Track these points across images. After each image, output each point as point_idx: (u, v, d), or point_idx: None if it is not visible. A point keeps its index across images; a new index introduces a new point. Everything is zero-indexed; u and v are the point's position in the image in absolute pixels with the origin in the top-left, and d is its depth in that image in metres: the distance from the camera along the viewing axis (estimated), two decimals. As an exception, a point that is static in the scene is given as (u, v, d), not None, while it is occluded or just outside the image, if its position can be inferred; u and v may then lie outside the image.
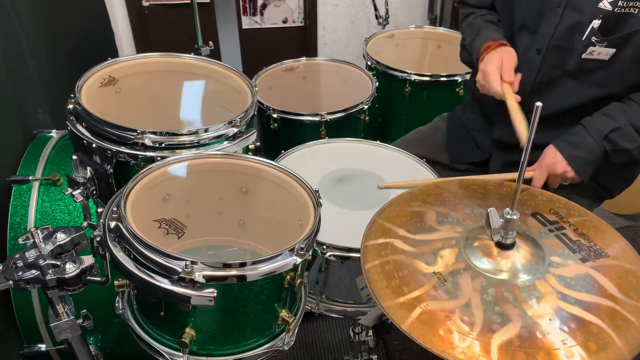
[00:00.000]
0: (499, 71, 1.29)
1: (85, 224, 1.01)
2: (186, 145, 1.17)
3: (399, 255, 0.91)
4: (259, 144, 1.29)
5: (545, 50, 1.31)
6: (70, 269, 0.88)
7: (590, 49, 1.24)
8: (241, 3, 2.93)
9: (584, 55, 1.25)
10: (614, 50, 1.22)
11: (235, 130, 1.23)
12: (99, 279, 0.91)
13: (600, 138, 1.24)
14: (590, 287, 0.85)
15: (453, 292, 0.83)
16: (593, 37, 1.23)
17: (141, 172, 1.07)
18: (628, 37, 1.20)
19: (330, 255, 1.18)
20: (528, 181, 1.28)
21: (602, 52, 1.24)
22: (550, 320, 0.79)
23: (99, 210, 0.97)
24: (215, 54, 1.96)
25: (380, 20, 2.92)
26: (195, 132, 1.17)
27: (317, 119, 1.72)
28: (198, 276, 0.87)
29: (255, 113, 1.33)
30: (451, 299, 0.82)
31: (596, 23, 1.21)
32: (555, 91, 1.33)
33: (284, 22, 3.05)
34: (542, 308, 0.80)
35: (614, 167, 1.34)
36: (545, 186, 1.28)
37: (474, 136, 1.58)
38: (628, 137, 1.24)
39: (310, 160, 1.47)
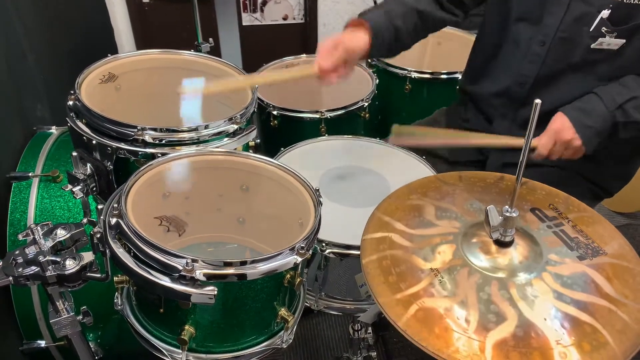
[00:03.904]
0: (320, 52, 1.22)
1: (85, 220, 1.01)
2: (186, 142, 1.17)
3: (397, 250, 0.91)
4: (259, 140, 1.29)
5: (551, 42, 1.28)
6: (70, 266, 0.89)
7: (600, 40, 1.21)
8: (241, 0, 2.93)
9: (593, 46, 1.23)
10: (624, 41, 1.20)
11: (236, 127, 1.23)
12: (98, 275, 0.92)
13: (613, 107, 1.19)
14: (587, 286, 0.85)
15: (450, 290, 0.83)
16: (603, 28, 1.20)
17: (142, 168, 1.07)
18: (638, 28, 1.18)
19: (329, 253, 1.18)
20: (533, 150, 1.21)
21: (611, 43, 1.21)
22: (545, 319, 0.79)
23: (99, 206, 0.98)
24: (216, 51, 1.96)
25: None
26: (195, 129, 1.18)
27: (317, 116, 1.72)
28: (199, 274, 0.87)
29: (255, 110, 1.33)
30: (448, 297, 0.82)
31: (605, 13, 1.18)
32: (558, 85, 1.32)
33: (284, 19, 3.05)
34: (537, 307, 0.80)
35: (611, 157, 1.32)
36: (548, 158, 1.24)
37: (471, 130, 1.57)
38: None
39: (310, 157, 1.47)
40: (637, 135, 1.24)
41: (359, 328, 1.42)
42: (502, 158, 1.47)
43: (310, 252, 0.98)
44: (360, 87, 1.88)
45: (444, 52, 2.23)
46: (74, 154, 1.16)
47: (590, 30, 1.21)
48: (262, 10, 2.99)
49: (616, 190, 1.46)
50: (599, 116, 1.20)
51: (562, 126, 1.21)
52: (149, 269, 0.89)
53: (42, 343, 1.40)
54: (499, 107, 1.44)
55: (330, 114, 1.72)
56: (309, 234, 0.96)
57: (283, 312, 1.02)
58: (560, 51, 1.28)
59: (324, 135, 1.69)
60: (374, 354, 1.47)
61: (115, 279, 1.01)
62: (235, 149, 1.21)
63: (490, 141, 1.31)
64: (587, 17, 1.21)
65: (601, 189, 1.43)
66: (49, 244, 0.89)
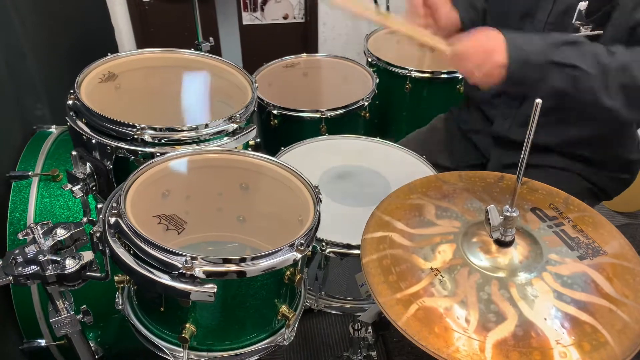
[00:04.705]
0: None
1: (84, 219, 1.01)
2: (186, 141, 1.17)
3: (397, 249, 0.91)
4: (259, 140, 1.29)
5: None
6: (70, 265, 0.89)
7: (582, 30, 1.20)
8: (241, -1, 2.93)
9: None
10: (601, 32, 1.18)
11: (235, 126, 1.22)
12: (98, 274, 0.92)
13: (551, 42, 1.07)
14: (587, 286, 0.84)
15: (450, 289, 0.83)
16: (577, 22, 1.18)
17: (141, 167, 1.07)
18: (608, 15, 1.17)
19: (329, 252, 1.18)
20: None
21: (589, 34, 1.19)
22: (545, 319, 0.79)
23: (99, 206, 0.98)
24: (216, 50, 1.96)
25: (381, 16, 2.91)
26: (195, 128, 1.17)
27: (318, 115, 1.72)
28: (198, 272, 0.87)
29: (255, 109, 1.33)
30: (448, 296, 0.82)
31: (583, 5, 1.18)
32: None
33: (285, 18, 3.04)
34: (537, 307, 0.80)
35: (612, 162, 1.32)
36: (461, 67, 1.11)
37: (472, 139, 1.57)
38: (584, 57, 1.05)
39: (310, 157, 1.47)
40: (567, 92, 1.09)
41: (359, 327, 1.42)
42: (504, 158, 1.47)
43: (310, 248, 0.98)
44: (360, 86, 1.88)
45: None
46: (74, 153, 1.16)
47: (573, 22, 1.20)
48: (262, 10, 2.99)
49: (616, 193, 1.46)
50: (533, 44, 1.07)
51: (493, 37, 1.07)
52: (148, 268, 0.89)
53: (42, 342, 1.40)
54: (500, 107, 1.44)
55: (330, 114, 1.72)
56: (308, 231, 0.96)
57: (284, 309, 1.01)
58: None
59: (324, 134, 1.69)
60: (374, 353, 1.47)
61: (116, 278, 1.01)
62: (235, 148, 1.21)
63: (415, 34, 1.18)
64: (571, 10, 1.21)
65: (600, 190, 1.43)
66: (49, 243, 0.89)
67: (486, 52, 1.06)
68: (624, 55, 1.05)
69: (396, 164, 1.46)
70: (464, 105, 1.61)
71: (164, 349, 1.00)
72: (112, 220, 0.94)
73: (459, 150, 1.60)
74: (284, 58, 2.00)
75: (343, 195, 1.33)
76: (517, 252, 0.89)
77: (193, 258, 0.87)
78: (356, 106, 1.76)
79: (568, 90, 1.07)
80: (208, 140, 1.19)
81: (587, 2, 1.18)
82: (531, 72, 1.07)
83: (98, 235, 0.93)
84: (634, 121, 1.26)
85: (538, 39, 1.08)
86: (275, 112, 1.75)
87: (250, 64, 1.89)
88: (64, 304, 0.95)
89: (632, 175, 1.44)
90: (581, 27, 1.18)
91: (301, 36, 3.10)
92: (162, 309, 0.97)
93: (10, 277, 0.86)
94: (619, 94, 1.05)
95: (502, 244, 0.89)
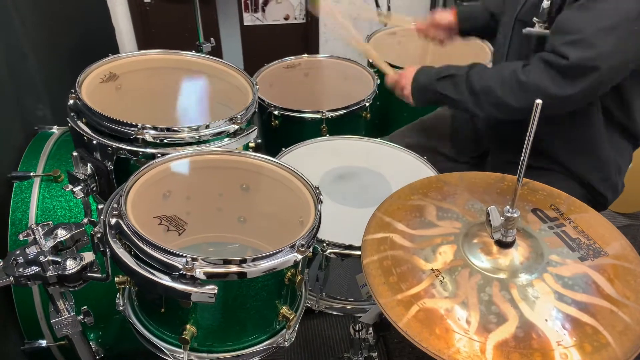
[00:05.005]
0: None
1: (85, 220, 1.01)
2: (187, 142, 1.17)
3: (398, 250, 0.91)
4: (259, 141, 1.29)
5: (510, 34, 1.36)
6: (71, 266, 0.89)
7: (535, 27, 1.27)
8: (242, 0, 2.93)
9: (524, 31, 1.28)
10: (548, 31, 1.24)
11: (236, 127, 1.22)
12: (99, 275, 0.92)
13: (434, 76, 1.36)
14: (588, 287, 0.84)
15: (451, 290, 0.83)
16: (535, 19, 1.26)
17: (142, 168, 1.07)
18: (553, 14, 1.22)
19: (330, 253, 1.18)
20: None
21: (538, 32, 1.26)
22: (546, 320, 0.79)
23: (100, 206, 0.98)
24: (217, 51, 1.96)
25: (382, 17, 2.91)
26: (196, 129, 1.17)
27: (319, 116, 1.72)
28: (199, 273, 0.87)
29: (256, 110, 1.33)
30: (448, 297, 0.82)
31: (546, 3, 1.22)
32: None
33: (286, 18, 3.04)
34: (538, 308, 0.80)
35: (598, 170, 1.36)
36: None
37: (476, 124, 1.58)
38: (455, 87, 1.31)
39: (311, 158, 1.47)
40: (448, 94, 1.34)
41: (360, 328, 1.42)
42: (503, 155, 1.48)
43: (311, 250, 0.98)
44: (361, 87, 1.88)
45: (445, 52, 2.22)
46: (75, 154, 1.16)
47: (533, 19, 1.27)
48: (263, 10, 2.99)
49: (609, 202, 1.45)
50: (427, 77, 1.38)
51: (406, 76, 1.42)
52: (149, 269, 0.89)
53: (43, 343, 1.40)
54: None
55: (331, 114, 1.72)
56: (309, 231, 0.96)
57: (285, 310, 1.01)
58: (516, 42, 1.36)
59: (325, 135, 1.69)
60: (374, 354, 1.47)
61: (117, 279, 1.01)
62: (236, 149, 1.21)
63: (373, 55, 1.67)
64: (537, 9, 1.25)
65: (595, 197, 1.42)
66: (50, 244, 0.89)
67: (400, 87, 1.45)
68: (489, 78, 1.26)
69: (397, 164, 1.46)
70: None
71: (165, 350, 1.00)
72: (113, 221, 0.94)
73: (463, 138, 1.62)
74: (285, 59, 2.00)
75: (344, 196, 1.33)
76: (518, 253, 0.88)
77: (194, 259, 0.87)
78: (357, 107, 1.76)
79: (451, 106, 1.40)
80: (209, 141, 1.19)
81: (549, 2, 1.22)
82: (426, 96, 1.40)
83: (99, 236, 0.93)
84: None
85: (433, 73, 1.37)
86: (276, 112, 1.74)
87: (251, 64, 1.89)
88: (65, 305, 0.95)
89: (617, 183, 1.43)
90: (537, 24, 1.26)
91: (302, 37, 3.11)
92: (162, 310, 0.97)
93: (12, 278, 0.86)
94: (491, 108, 1.28)
95: (503, 245, 0.88)
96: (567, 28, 1.15)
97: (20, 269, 0.87)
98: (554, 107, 1.18)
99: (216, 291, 0.87)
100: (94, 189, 1.22)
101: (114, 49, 2.63)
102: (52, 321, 0.95)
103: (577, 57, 1.12)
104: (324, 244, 1.17)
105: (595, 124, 1.32)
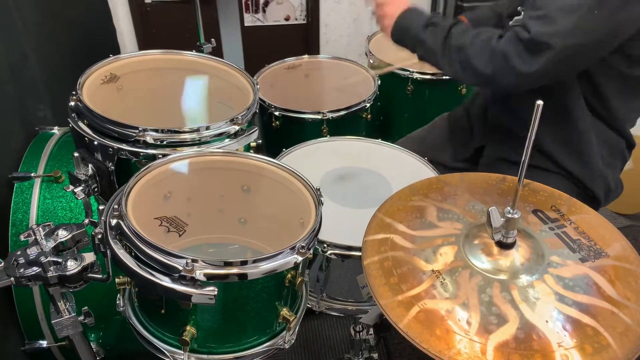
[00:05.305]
0: None
1: (86, 221, 1.01)
2: (187, 143, 1.17)
3: (399, 251, 0.91)
4: (260, 141, 1.29)
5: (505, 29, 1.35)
6: (72, 266, 0.89)
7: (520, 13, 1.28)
8: (243, 0, 2.93)
9: (511, 22, 1.28)
10: None
11: (237, 128, 1.22)
12: (100, 276, 0.92)
13: (423, 22, 1.35)
14: (589, 288, 0.84)
15: (451, 291, 0.83)
16: (520, 7, 1.29)
17: (142, 169, 1.07)
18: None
19: (331, 254, 1.18)
20: None
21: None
22: (547, 322, 0.79)
23: (100, 207, 0.98)
24: (217, 52, 1.96)
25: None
26: (197, 130, 1.17)
27: (319, 117, 1.72)
28: (199, 274, 0.87)
29: (257, 111, 1.33)
30: (449, 298, 0.82)
31: None
32: None
33: (286, 19, 3.05)
34: (539, 309, 0.80)
35: (594, 169, 1.35)
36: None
37: (472, 120, 1.60)
38: (434, 36, 1.32)
39: (312, 158, 1.47)
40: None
41: (361, 329, 1.42)
42: (497, 151, 1.49)
43: (311, 251, 0.98)
44: (362, 88, 1.88)
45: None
46: (76, 154, 1.16)
47: (518, 8, 1.30)
48: (264, 11, 2.99)
49: (600, 198, 1.45)
50: (416, 20, 1.36)
51: (405, 2, 1.41)
52: (149, 270, 0.89)
53: (44, 343, 1.40)
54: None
55: (332, 115, 1.72)
56: (309, 233, 0.96)
57: (285, 312, 1.01)
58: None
59: (326, 136, 1.69)
60: (375, 355, 1.47)
61: (117, 280, 1.01)
62: (236, 150, 1.21)
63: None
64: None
65: (584, 191, 1.42)
66: (51, 244, 0.89)
67: (392, 11, 1.41)
68: (466, 38, 1.27)
69: (398, 165, 1.46)
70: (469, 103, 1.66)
71: (165, 351, 1.00)
72: (114, 222, 0.94)
73: (460, 144, 1.62)
74: (286, 59, 2.00)
75: (344, 196, 1.33)
76: (518, 254, 0.88)
77: (194, 260, 0.87)
78: (358, 107, 1.76)
79: (421, 53, 1.38)
80: (210, 141, 1.19)
81: None
82: (404, 38, 1.40)
83: (100, 236, 0.93)
84: (471, 84, 1.43)
85: (421, 18, 1.36)
86: (276, 113, 1.75)
87: (252, 65, 1.89)
88: (66, 305, 0.95)
89: (610, 182, 1.43)
90: (522, 12, 1.28)
91: (303, 37, 3.11)
92: (162, 311, 0.97)
93: (12, 278, 0.87)
94: (458, 65, 1.29)
95: (504, 245, 0.88)
96: (536, 4, 1.18)
97: (21, 270, 0.87)
98: (516, 82, 1.22)
99: (216, 293, 0.87)
100: (95, 189, 1.22)
101: (115, 50, 2.63)
102: (52, 322, 0.95)
103: (536, 31, 1.15)
104: (325, 245, 1.17)
105: (580, 115, 1.34)
